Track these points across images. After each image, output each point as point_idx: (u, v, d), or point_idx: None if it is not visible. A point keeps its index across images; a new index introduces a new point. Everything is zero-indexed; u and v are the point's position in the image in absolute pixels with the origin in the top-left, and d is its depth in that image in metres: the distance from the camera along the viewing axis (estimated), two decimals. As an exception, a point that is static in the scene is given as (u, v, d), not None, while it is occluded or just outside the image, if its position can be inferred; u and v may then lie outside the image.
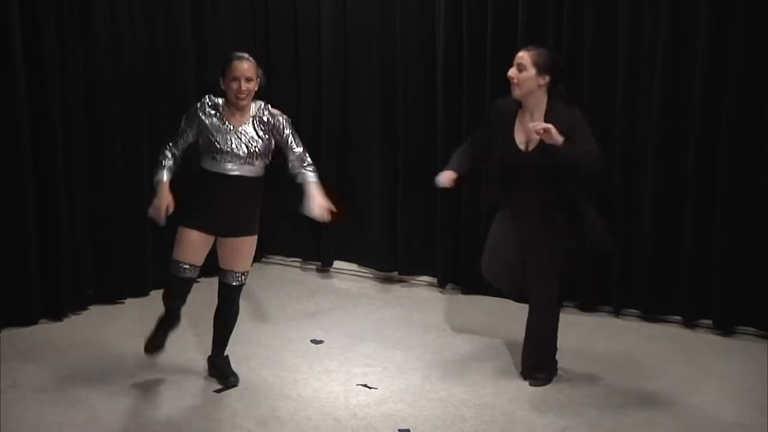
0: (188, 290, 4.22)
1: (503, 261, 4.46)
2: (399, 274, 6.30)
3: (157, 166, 4.20)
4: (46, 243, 5.24)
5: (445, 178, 4.34)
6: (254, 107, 4.17)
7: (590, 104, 5.33)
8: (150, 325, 4.92)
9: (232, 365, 4.45)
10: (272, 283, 6.37)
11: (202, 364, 4.56)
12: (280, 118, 4.20)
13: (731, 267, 5.04)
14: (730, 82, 4.93)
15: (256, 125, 4.13)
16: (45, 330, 5.17)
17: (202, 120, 4.12)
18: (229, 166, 4.06)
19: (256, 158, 4.10)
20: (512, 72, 4.14)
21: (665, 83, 5.13)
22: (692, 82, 5.05)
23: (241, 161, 4.07)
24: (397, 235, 6.22)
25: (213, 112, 4.14)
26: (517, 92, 4.14)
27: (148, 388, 4.26)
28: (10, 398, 4.13)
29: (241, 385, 4.31)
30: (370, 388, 4.32)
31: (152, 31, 5.88)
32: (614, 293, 5.46)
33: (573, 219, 4.18)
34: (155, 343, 4.25)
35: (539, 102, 4.14)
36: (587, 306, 5.57)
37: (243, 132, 4.10)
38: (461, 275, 5.89)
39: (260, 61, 4.33)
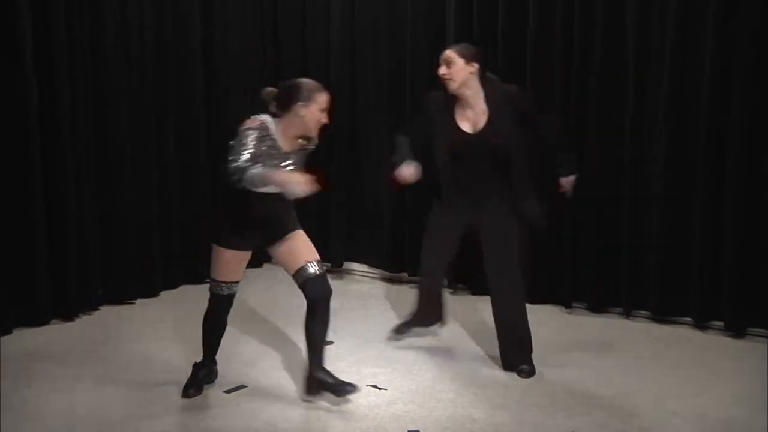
0: (229, 306, 4.17)
1: (442, 254, 4.57)
2: (408, 275, 6.29)
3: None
4: (55, 243, 5.27)
5: (409, 172, 4.30)
6: None
7: (600, 102, 5.34)
8: (160, 325, 4.96)
9: (240, 366, 4.46)
10: (281, 284, 6.36)
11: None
12: None
13: (742, 268, 5.02)
14: (739, 79, 4.91)
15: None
16: (55, 330, 5.20)
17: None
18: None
19: None
20: (443, 70, 4.21)
21: (674, 81, 5.11)
22: (701, 79, 5.04)
23: None
24: (407, 236, 6.22)
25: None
26: (453, 86, 4.22)
27: (158, 389, 4.27)
28: (22, 398, 4.15)
29: (250, 386, 4.32)
30: (379, 389, 4.31)
31: (160, 27, 5.90)
32: (624, 294, 5.44)
33: (517, 195, 4.33)
34: (194, 387, 4.18)
35: (476, 91, 4.25)
36: (597, 307, 5.55)
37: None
38: (470, 276, 5.89)
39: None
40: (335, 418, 3.97)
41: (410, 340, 5.02)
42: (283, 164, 3.88)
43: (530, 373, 4.41)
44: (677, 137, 5.16)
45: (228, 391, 4.25)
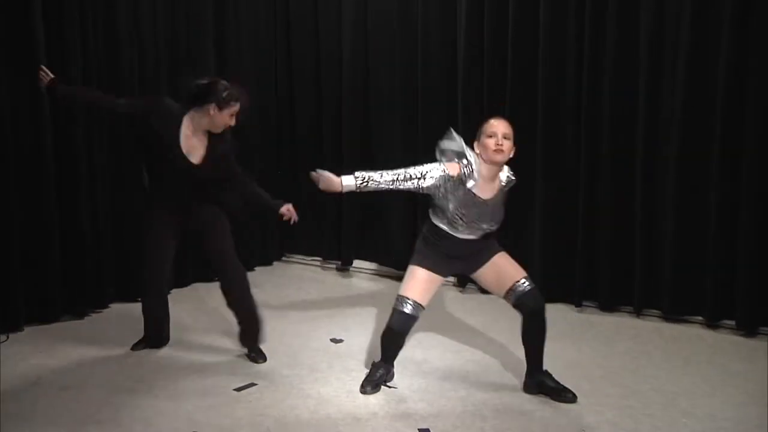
0: (408, 329, 4.17)
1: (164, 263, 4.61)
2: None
3: None
4: (68, 241, 5.29)
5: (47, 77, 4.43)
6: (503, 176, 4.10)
7: (612, 103, 5.33)
8: (170, 323, 4.95)
9: (250, 364, 4.49)
10: (292, 282, 6.39)
11: (223, 361, 4.58)
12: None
13: (754, 267, 4.99)
14: (753, 81, 4.88)
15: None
16: (67, 327, 5.22)
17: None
18: (467, 233, 4.03)
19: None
20: (233, 122, 4.29)
21: (688, 79, 5.09)
22: (716, 77, 5.01)
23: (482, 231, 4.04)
24: (417, 235, 6.19)
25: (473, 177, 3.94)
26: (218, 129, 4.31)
27: (168, 386, 4.28)
28: (34, 395, 4.16)
29: (260, 383, 4.32)
30: (389, 387, 4.31)
31: (174, 26, 5.94)
32: (636, 293, 5.43)
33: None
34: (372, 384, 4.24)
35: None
36: (608, 306, 5.54)
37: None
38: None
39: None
40: (345, 415, 3.97)
41: (420, 338, 5.01)
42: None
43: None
44: (691, 136, 5.14)
45: (238, 389, 4.25)
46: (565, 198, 5.60)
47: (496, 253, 4.12)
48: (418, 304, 4.09)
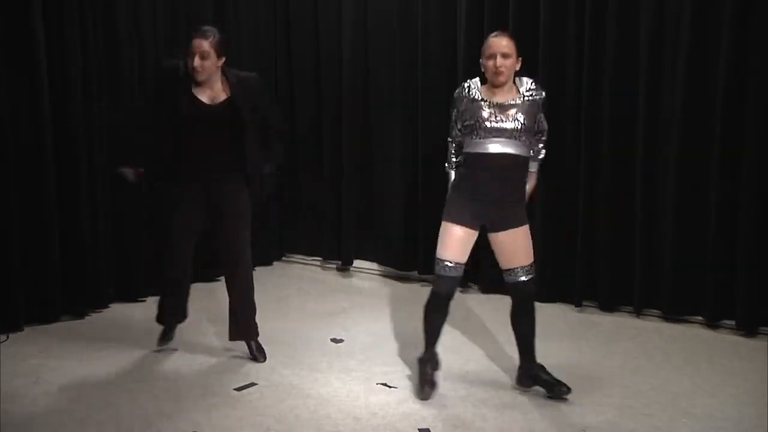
0: (454, 290, 4.11)
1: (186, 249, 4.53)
2: (419, 273, 6.29)
3: (448, 164, 4.23)
4: (67, 241, 5.30)
5: (133, 172, 4.47)
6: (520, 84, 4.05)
7: (612, 101, 5.33)
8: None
9: (251, 364, 4.48)
10: (293, 281, 6.39)
11: (223, 361, 4.58)
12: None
13: (755, 267, 4.99)
14: (753, 81, 4.88)
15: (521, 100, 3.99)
16: (67, 327, 5.22)
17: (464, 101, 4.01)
18: (494, 144, 3.93)
19: (522, 134, 3.95)
20: (197, 62, 4.21)
21: (688, 79, 5.09)
22: (716, 77, 5.01)
23: (507, 136, 3.93)
24: (417, 235, 6.22)
25: (474, 91, 4.01)
26: (203, 76, 4.24)
27: (168, 386, 4.28)
28: (33, 395, 4.16)
29: (261, 383, 4.32)
30: (390, 387, 4.31)
31: (173, 25, 5.94)
32: (636, 293, 5.43)
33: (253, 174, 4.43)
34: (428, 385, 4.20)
35: (215, 78, 4.32)
36: (608, 306, 5.54)
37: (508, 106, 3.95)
38: (481, 275, 5.88)
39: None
40: (346, 416, 3.97)
41: (420, 338, 5.01)
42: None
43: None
44: (691, 136, 5.14)
45: (238, 389, 4.25)
46: (565, 198, 5.60)
47: (522, 224, 4.05)
48: (458, 264, 4.02)
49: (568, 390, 4.10)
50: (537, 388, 4.19)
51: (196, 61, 4.20)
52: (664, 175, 5.26)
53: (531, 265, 4.08)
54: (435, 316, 4.17)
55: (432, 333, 4.22)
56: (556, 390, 4.10)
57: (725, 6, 4.93)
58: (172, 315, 4.74)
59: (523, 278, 4.06)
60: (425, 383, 4.20)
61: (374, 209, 6.53)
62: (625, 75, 5.29)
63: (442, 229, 4.05)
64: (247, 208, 4.49)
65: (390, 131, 6.34)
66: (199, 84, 4.26)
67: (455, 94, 4.10)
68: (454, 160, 4.19)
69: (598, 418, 3.94)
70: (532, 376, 4.18)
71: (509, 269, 4.08)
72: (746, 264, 5.00)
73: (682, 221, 5.23)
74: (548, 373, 4.16)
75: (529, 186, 4.18)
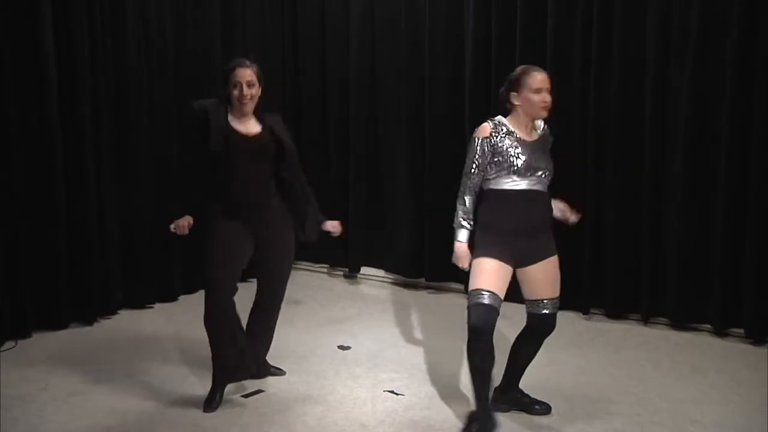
0: (493, 323, 3.75)
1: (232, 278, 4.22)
2: (426, 280, 6.29)
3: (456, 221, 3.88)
4: (76, 247, 5.32)
5: (184, 224, 4.18)
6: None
7: (619, 105, 5.33)
8: (177, 328, 4.97)
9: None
10: (300, 288, 6.39)
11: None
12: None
13: (763, 275, 4.98)
14: (761, 88, 4.88)
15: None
16: (75, 334, 5.24)
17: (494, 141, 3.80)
18: (528, 181, 3.79)
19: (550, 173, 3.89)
20: (245, 91, 4.09)
21: (695, 83, 5.10)
22: (723, 82, 5.01)
23: (539, 174, 3.83)
24: (425, 242, 6.22)
25: (505, 127, 3.82)
26: (251, 105, 4.15)
27: (176, 393, 4.29)
28: (42, 401, 4.18)
29: (268, 390, 4.33)
30: (397, 394, 4.31)
31: (180, 28, 5.97)
32: (643, 301, 5.41)
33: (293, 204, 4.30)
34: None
35: (250, 109, 4.19)
36: (616, 314, 5.53)
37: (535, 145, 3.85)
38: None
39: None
40: (353, 423, 3.97)
41: (427, 345, 5.02)
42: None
43: None
44: (698, 142, 5.14)
45: (246, 396, 4.26)
46: (572, 205, 5.57)
47: (552, 254, 3.96)
48: (494, 293, 3.72)
49: (549, 408, 4.06)
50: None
51: (245, 90, 4.07)
52: (670, 182, 5.25)
53: (557, 299, 3.96)
54: (479, 360, 3.73)
55: (480, 383, 3.76)
56: (536, 410, 4.05)
57: (732, 12, 4.92)
58: (241, 368, 4.21)
59: (547, 311, 3.94)
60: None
61: (381, 216, 6.53)
62: (631, 81, 5.29)
63: (474, 264, 3.81)
64: (292, 244, 4.39)
65: (397, 140, 6.34)
66: (236, 116, 4.16)
67: (479, 132, 3.82)
68: (466, 212, 3.84)
69: (606, 426, 3.93)
70: (514, 399, 4.09)
71: (534, 300, 3.95)
72: (754, 271, 4.99)
73: (689, 229, 5.22)
74: (527, 395, 4.10)
75: (559, 207, 4.08)
